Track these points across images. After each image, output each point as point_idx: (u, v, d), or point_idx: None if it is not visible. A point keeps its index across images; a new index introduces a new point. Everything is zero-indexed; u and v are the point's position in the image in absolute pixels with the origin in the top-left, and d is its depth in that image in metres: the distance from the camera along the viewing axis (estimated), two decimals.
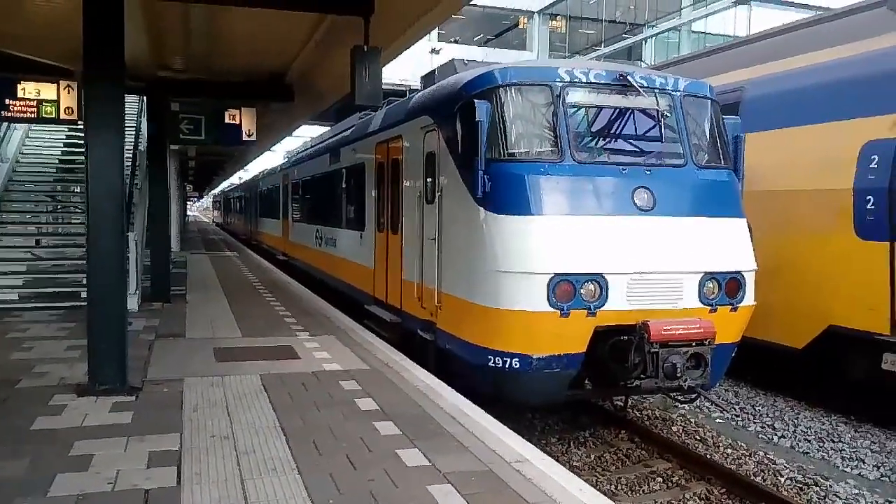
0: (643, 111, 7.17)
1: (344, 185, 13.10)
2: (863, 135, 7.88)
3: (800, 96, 8.87)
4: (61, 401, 5.96)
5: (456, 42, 38.20)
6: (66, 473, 4.38)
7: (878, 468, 6.95)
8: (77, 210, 13.76)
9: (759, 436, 7.87)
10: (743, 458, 7.03)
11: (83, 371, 6.49)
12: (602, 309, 6.44)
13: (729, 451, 7.21)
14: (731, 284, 6.92)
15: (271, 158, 36.50)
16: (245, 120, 11.56)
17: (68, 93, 9.92)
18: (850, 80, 8.25)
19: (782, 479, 6.51)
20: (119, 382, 6.27)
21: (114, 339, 6.31)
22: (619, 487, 6.30)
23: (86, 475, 4.36)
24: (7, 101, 9.71)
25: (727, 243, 6.99)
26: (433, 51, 33.28)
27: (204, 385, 6.58)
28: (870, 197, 7.74)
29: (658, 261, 6.63)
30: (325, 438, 5.14)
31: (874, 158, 7.73)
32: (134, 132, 14.33)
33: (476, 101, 6.72)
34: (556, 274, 6.31)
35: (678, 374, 6.40)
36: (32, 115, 9.92)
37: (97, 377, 6.25)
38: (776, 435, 7.85)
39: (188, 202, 56.77)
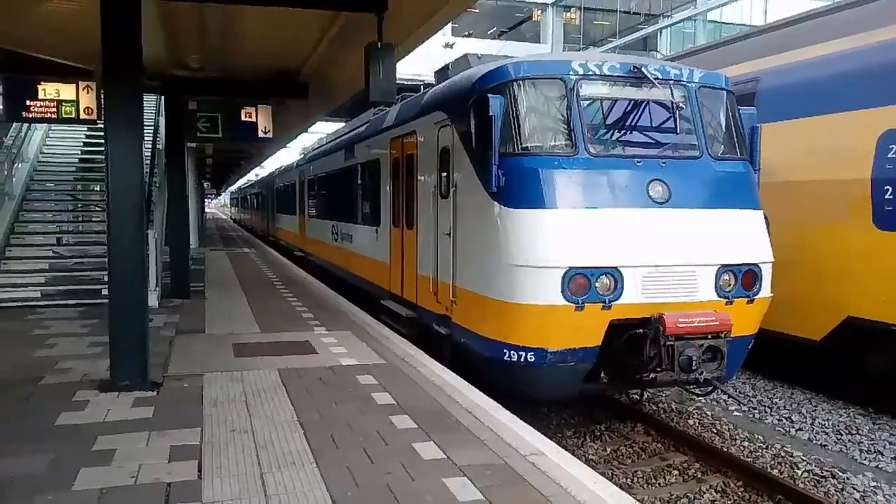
0: (658, 103, 7.14)
1: (359, 181, 13.17)
2: (881, 124, 7.80)
3: (816, 86, 8.79)
4: (84, 396, 6.08)
5: (469, 36, 38.07)
6: (90, 468, 4.47)
7: None
8: (97, 209, 13.94)
9: (777, 428, 7.84)
10: (760, 450, 7.01)
11: (105, 367, 6.60)
12: (617, 302, 6.44)
13: (746, 443, 7.20)
14: (747, 276, 6.89)
15: (287, 155, 36.69)
16: (261, 117, 11.66)
17: (87, 93, 10.02)
18: (867, 69, 8.16)
19: (799, 472, 6.49)
20: (140, 378, 6.38)
21: (135, 336, 6.40)
22: (636, 480, 6.31)
23: (109, 469, 4.45)
24: (28, 103, 9.84)
25: (743, 235, 6.95)
26: (447, 45, 33.17)
27: (223, 380, 6.68)
28: (888, 187, 7.67)
29: (673, 253, 6.61)
30: (343, 432, 5.20)
31: (892, 148, 7.66)
32: (152, 130, 14.49)
33: (489, 95, 6.74)
34: (571, 267, 6.32)
35: (694, 367, 6.39)
36: (53, 116, 10.04)
37: (119, 373, 6.35)
38: (793, 427, 7.82)
39: (206, 199, 57.18)
